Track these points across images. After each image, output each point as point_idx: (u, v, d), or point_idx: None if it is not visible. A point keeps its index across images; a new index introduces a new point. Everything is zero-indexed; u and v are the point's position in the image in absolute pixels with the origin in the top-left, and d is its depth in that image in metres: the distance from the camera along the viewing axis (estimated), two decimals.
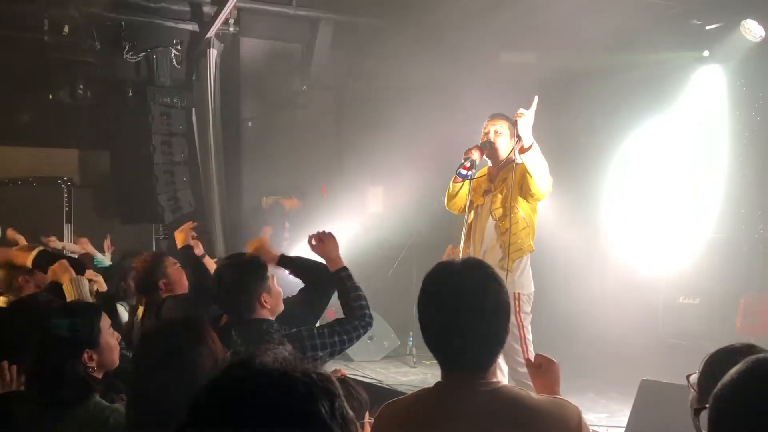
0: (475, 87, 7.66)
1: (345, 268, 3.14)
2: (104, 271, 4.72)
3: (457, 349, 1.72)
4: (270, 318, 2.90)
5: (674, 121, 6.65)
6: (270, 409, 0.88)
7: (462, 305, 1.71)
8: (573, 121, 7.01)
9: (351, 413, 0.95)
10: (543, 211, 6.66)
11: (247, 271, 2.91)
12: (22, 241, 5.47)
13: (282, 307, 2.98)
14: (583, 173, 6.75)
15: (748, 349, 1.64)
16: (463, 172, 4.15)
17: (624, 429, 4.13)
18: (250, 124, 7.58)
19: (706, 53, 6.42)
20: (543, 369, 2.00)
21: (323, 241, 3.23)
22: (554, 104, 7.06)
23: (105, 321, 2.45)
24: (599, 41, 6.44)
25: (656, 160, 6.72)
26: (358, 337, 3.04)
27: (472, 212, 4.35)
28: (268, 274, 2.95)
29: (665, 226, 6.64)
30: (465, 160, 4.18)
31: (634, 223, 6.83)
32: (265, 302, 2.87)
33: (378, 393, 4.99)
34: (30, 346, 2.31)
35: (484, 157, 4.34)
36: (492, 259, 4.07)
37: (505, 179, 4.30)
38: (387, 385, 5.96)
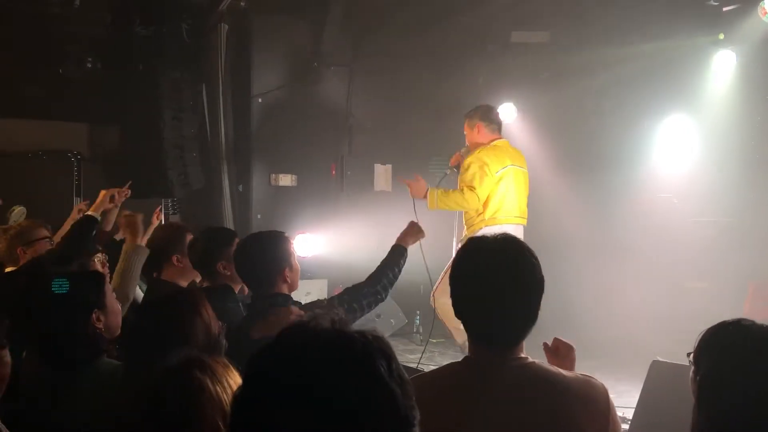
0: (487, 65, 7.62)
1: (407, 250, 3.51)
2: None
3: (490, 323, 1.73)
4: (287, 293, 2.93)
5: (688, 107, 6.59)
6: (330, 368, 0.88)
7: (497, 280, 1.72)
8: (583, 105, 6.96)
9: (406, 375, 0.95)
10: (557, 194, 6.66)
11: (271, 245, 2.96)
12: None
13: (298, 285, 3.01)
14: (595, 158, 6.72)
15: (737, 322, 1.69)
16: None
17: (633, 409, 4.15)
18: (260, 100, 7.55)
19: (721, 36, 6.34)
20: (560, 354, 2.01)
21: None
22: (566, 86, 7.03)
23: (109, 287, 2.55)
24: (614, 24, 6.37)
25: (669, 145, 6.67)
26: (369, 306, 3.11)
27: None
28: (292, 249, 2.99)
29: (675, 209, 6.62)
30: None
31: (644, 206, 6.80)
32: (287, 277, 2.91)
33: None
34: (41, 308, 2.38)
35: None
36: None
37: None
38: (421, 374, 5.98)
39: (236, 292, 3.30)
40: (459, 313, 1.76)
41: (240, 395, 0.91)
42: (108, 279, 2.72)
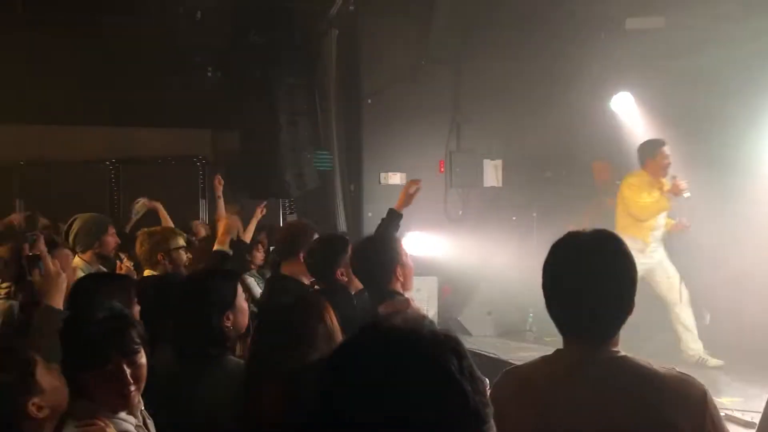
0: (599, 55, 7.36)
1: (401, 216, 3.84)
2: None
3: (579, 318, 1.72)
4: (401, 291, 3.05)
5: None
6: (400, 366, 0.92)
7: (588, 274, 1.71)
8: (705, 91, 6.55)
9: (480, 374, 0.97)
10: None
11: (383, 245, 3.15)
12: (162, 211, 5.91)
13: (412, 285, 3.14)
14: (717, 148, 6.31)
15: None
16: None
17: (761, 413, 3.90)
18: (369, 101, 7.71)
19: None
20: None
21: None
22: (684, 75, 6.67)
23: (239, 287, 2.68)
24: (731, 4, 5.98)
25: None
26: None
27: None
28: (402, 249, 3.12)
29: None
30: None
31: None
32: (399, 275, 3.05)
33: (495, 366, 5.00)
34: (180, 305, 2.57)
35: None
36: None
37: None
38: (506, 359, 5.94)
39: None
40: (548, 307, 1.76)
41: (318, 387, 0.96)
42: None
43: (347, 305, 3.19)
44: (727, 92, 6.35)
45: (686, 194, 5.70)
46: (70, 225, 4.61)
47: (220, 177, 5.56)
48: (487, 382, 2.28)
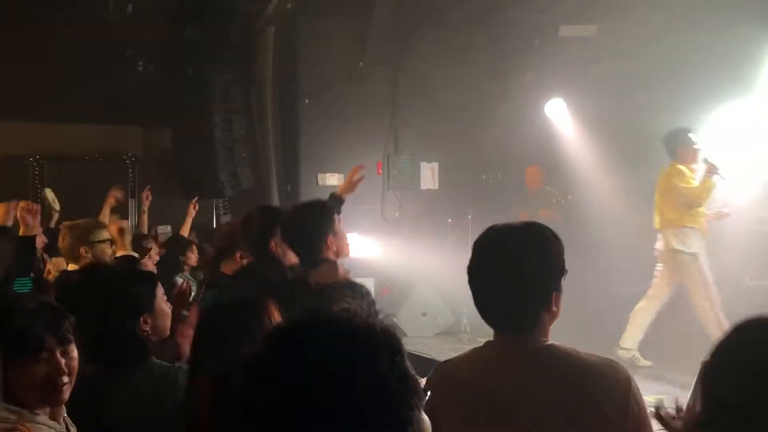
0: (535, 61, 7.52)
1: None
2: None
3: (500, 310, 1.75)
4: (334, 260, 3.04)
5: (742, 96, 6.34)
6: (327, 357, 0.89)
7: (503, 266, 1.73)
8: (635, 101, 6.78)
9: (413, 372, 0.94)
10: (607, 192, 6.54)
11: (312, 214, 3.11)
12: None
13: (347, 252, 3.13)
14: (645, 153, 6.53)
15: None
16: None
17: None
18: (307, 101, 7.64)
19: None
20: None
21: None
22: (615, 80, 6.88)
23: (160, 289, 2.60)
24: (665, 14, 6.19)
25: (728, 141, 6.41)
26: None
27: None
28: (334, 217, 3.11)
29: (734, 206, 6.37)
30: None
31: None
32: (332, 243, 3.03)
33: (430, 367, 4.99)
34: (92, 309, 2.43)
35: None
36: None
37: None
38: (440, 359, 5.96)
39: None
40: (474, 300, 1.78)
41: (247, 365, 0.93)
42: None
43: (280, 277, 3.18)
44: (658, 99, 6.59)
45: (722, 175, 5.53)
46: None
47: (149, 192, 5.41)
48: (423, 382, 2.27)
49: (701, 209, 5.77)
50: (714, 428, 1.36)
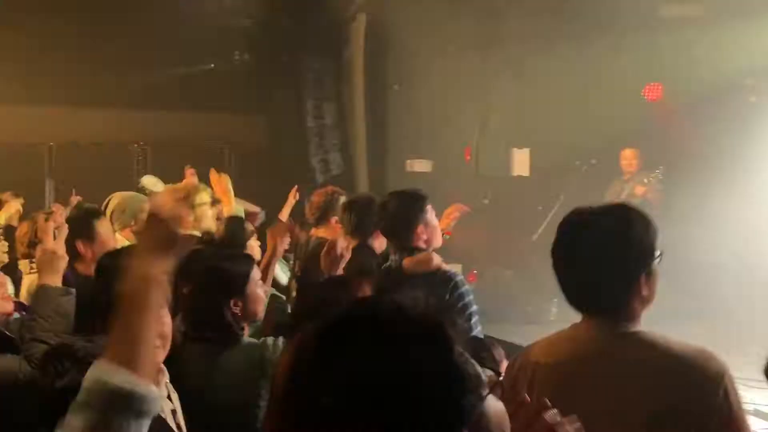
0: (631, 43, 7.24)
1: None
2: None
3: (583, 295, 1.71)
4: (425, 249, 3.06)
5: None
6: (382, 349, 0.87)
7: (586, 248, 1.69)
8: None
9: (470, 368, 0.91)
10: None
11: (405, 203, 3.13)
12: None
13: (439, 241, 3.14)
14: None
15: None
16: None
17: None
18: (396, 87, 7.67)
19: None
20: None
21: None
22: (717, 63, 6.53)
23: (256, 273, 2.62)
24: None
25: None
26: None
27: None
28: (426, 207, 3.11)
29: None
30: None
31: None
32: (422, 233, 3.05)
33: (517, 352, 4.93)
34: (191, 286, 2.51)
35: None
36: None
37: None
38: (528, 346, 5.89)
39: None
40: (559, 284, 1.75)
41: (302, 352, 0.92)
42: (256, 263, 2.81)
43: (374, 263, 3.24)
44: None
45: None
46: (107, 204, 4.64)
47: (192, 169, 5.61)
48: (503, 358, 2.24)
49: None
50: None
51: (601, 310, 1.70)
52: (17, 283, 3.37)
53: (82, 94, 7.77)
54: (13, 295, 2.99)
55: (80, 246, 3.13)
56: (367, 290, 2.26)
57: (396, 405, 0.85)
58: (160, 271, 1.23)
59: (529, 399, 1.16)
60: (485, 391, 0.92)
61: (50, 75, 7.56)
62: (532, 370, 1.76)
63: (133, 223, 4.51)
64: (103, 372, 1.16)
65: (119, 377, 1.14)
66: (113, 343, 1.19)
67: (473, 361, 0.92)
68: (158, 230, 1.26)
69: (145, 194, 6.07)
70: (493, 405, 0.94)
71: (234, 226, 3.92)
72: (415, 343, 0.88)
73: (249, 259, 2.83)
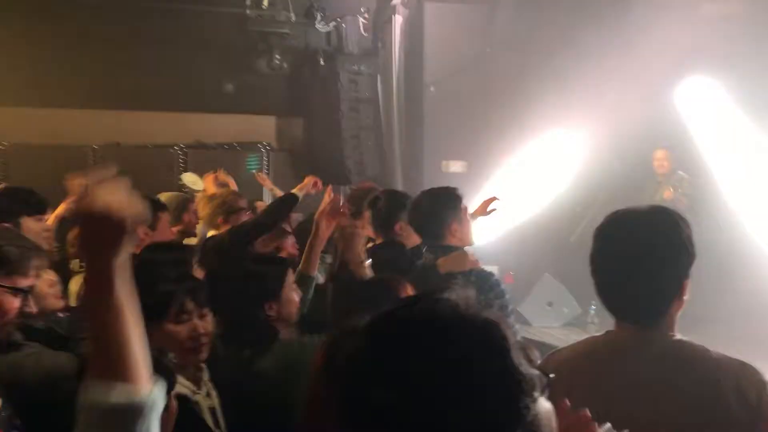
0: (674, 45, 7.10)
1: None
2: None
3: (626, 300, 1.66)
4: (458, 246, 3.05)
5: None
6: (431, 346, 0.87)
7: (631, 251, 1.63)
8: None
9: (525, 369, 0.90)
10: None
11: (439, 200, 3.12)
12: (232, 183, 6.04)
13: (470, 241, 3.11)
14: None
15: None
16: None
17: None
18: (432, 88, 7.67)
19: None
20: None
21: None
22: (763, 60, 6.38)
23: (290, 277, 2.65)
24: None
25: None
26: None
27: None
28: (460, 205, 3.10)
29: None
30: None
31: None
32: (455, 230, 3.04)
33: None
34: (223, 292, 2.51)
35: None
36: None
37: None
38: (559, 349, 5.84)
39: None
40: (597, 290, 1.70)
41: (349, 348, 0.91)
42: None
43: (404, 260, 3.20)
44: None
45: None
46: None
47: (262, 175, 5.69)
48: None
49: None
50: None
51: (644, 317, 1.65)
52: (65, 283, 3.48)
53: (124, 97, 7.96)
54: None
55: (142, 233, 3.25)
56: (409, 290, 2.25)
57: (453, 406, 0.84)
58: (114, 265, 1.09)
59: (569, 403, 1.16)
60: (539, 393, 0.92)
61: (96, 78, 7.78)
62: (562, 374, 1.74)
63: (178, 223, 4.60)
64: (95, 394, 1.08)
65: (113, 395, 1.07)
66: (93, 357, 1.10)
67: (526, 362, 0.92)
68: (98, 224, 1.10)
69: (184, 192, 6.21)
70: (544, 406, 0.94)
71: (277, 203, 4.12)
72: (474, 343, 0.87)
73: (283, 261, 2.88)
